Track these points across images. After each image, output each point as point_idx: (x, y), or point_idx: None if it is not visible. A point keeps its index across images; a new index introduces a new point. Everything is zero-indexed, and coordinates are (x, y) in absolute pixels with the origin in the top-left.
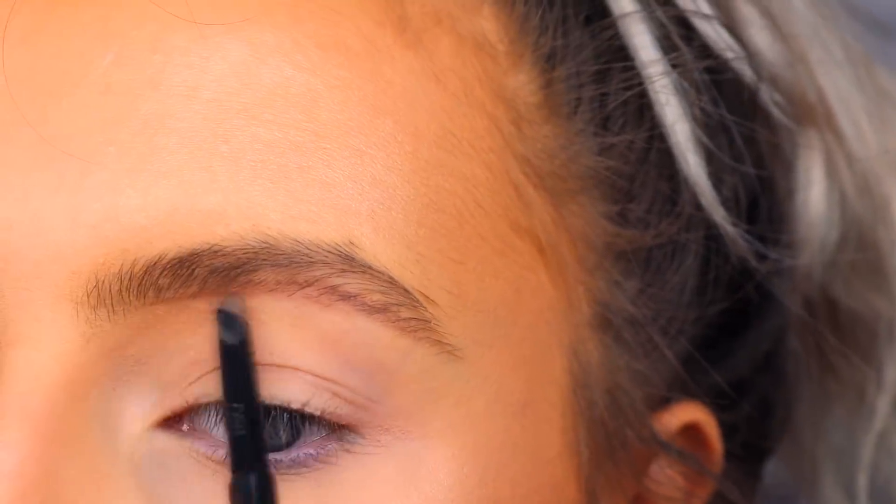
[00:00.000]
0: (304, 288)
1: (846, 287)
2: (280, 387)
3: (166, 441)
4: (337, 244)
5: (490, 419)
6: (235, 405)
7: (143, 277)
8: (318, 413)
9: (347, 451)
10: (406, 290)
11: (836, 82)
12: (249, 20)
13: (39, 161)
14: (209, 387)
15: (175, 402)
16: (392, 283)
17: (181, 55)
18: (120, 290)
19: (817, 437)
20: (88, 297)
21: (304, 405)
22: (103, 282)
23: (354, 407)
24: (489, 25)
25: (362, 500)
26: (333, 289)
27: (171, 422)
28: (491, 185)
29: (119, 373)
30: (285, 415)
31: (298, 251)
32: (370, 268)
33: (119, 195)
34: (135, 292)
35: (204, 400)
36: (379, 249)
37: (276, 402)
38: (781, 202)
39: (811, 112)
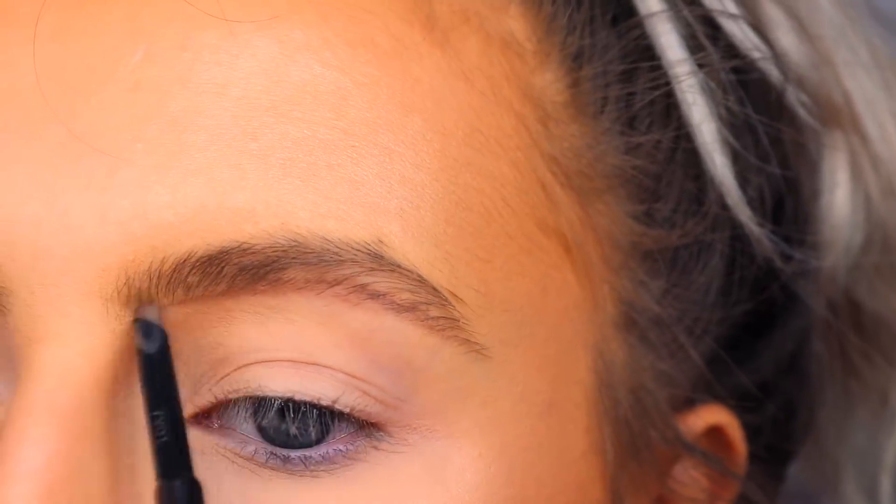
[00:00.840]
0: (332, 286)
1: (870, 290)
2: (310, 383)
3: (195, 437)
4: (366, 242)
5: (516, 419)
6: (157, 412)
7: (172, 275)
8: (347, 410)
9: (375, 447)
10: (435, 289)
11: (862, 84)
12: (278, 18)
13: (68, 158)
14: (239, 383)
15: (205, 398)
16: (421, 281)
17: (210, 53)
18: (149, 287)
19: (840, 439)
20: (118, 294)
21: (335, 402)
22: (133, 279)
23: (383, 406)
24: (517, 24)
25: (390, 498)
26: (362, 287)
27: (201, 418)
28: (518, 183)
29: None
30: (315, 411)
31: (328, 249)
32: (399, 266)
33: (148, 192)
34: (164, 290)
35: (233, 396)
36: (408, 248)
37: (306, 398)
38: (806, 203)
39: (837, 114)
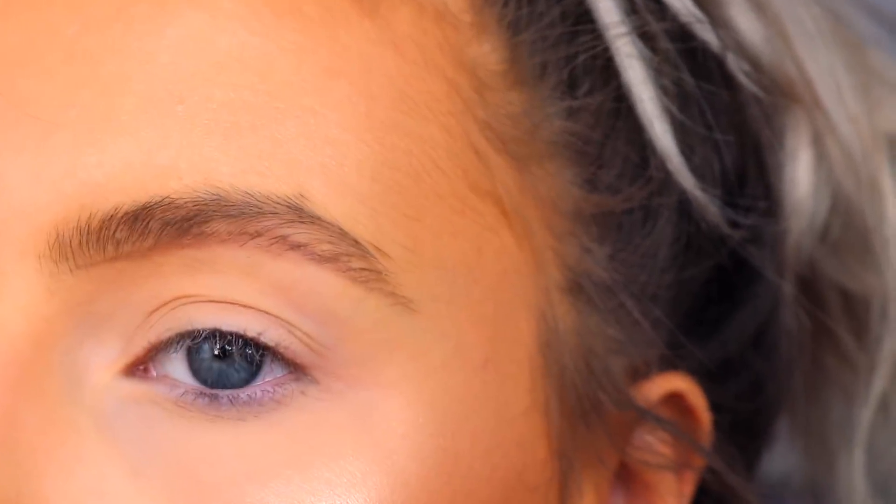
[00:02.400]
0: (254, 238)
1: (837, 263)
2: (236, 316)
3: (130, 387)
4: (287, 196)
5: (448, 373)
6: None
7: (100, 231)
8: (273, 344)
9: (303, 393)
10: (356, 241)
11: (821, 60)
12: None
13: (5, 125)
14: (170, 322)
15: (139, 346)
16: (342, 233)
17: (141, 23)
18: (80, 243)
19: (823, 416)
20: (51, 251)
21: (260, 334)
22: (63, 235)
23: (309, 350)
24: None
25: (314, 445)
26: (283, 238)
27: (135, 369)
28: (449, 146)
29: (86, 328)
30: (240, 341)
31: (248, 203)
32: (319, 219)
33: (79, 154)
34: (94, 245)
35: (166, 335)
36: (330, 202)
37: (232, 328)
38: (766, 174)
39: (793, 87)
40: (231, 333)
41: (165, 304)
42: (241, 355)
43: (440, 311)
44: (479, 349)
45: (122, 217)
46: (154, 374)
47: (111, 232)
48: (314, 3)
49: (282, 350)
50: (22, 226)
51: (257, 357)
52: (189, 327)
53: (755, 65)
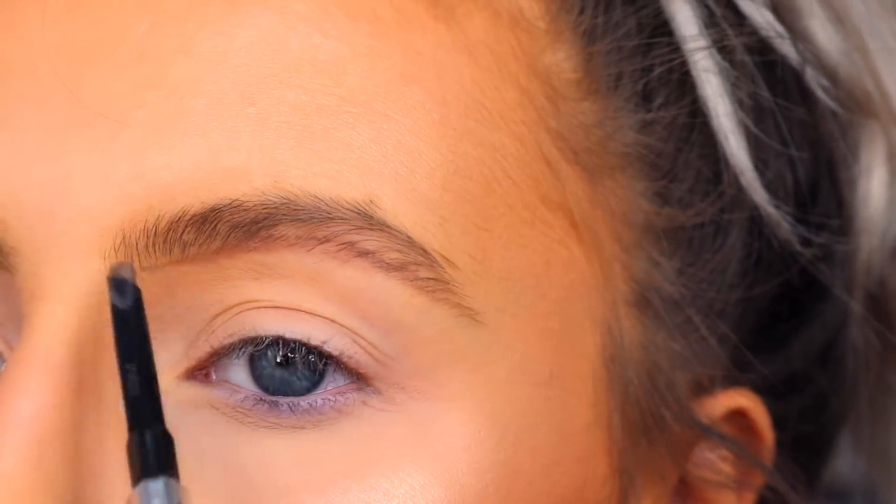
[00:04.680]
0: (322, 243)
1: None
2: (300, 324)
3: (190, 391)
4: (357, 202)
5: (511, 387)
6: (128, 366)
7: (167, 233)
8: (336, 353)
9: (364, 403)
10: (424, 251)
11: None
12: None
13: (73, 124)
14: (233, 327)
15: (201, 350)
16: (410, 242)
17: (212, 23)
18: (147, 245)
19: (886, 431)
20: (116, 253)
21: (324, 343)
22: (130, 237)
23: (373, 360)
24: (527, 3)
25: (373, 456)
26: (351, 245)
27: (197, 372)
28: (521, 156)
29: (150, 330)
30: (304, 349)
31: (318, 207)
32: (388, 226)
33: (146, 155)
34: (160, 248)
35: (228, 341)
36: (400, 210)
37: (296, 336)
38: (839, 190)
39: (871, 102)
40: (295, 341)
41: (230, 308)
42: (304, 363)
43: (506, 323)
44: (543, 363)
45: (189, 219)
46: (214, 378)
47: (178, 234)
48: (388, 7)
49: (345, 359)
50: (87, 227)
51: (320, 365)
52: (253, 333)
53: (832, 78)
